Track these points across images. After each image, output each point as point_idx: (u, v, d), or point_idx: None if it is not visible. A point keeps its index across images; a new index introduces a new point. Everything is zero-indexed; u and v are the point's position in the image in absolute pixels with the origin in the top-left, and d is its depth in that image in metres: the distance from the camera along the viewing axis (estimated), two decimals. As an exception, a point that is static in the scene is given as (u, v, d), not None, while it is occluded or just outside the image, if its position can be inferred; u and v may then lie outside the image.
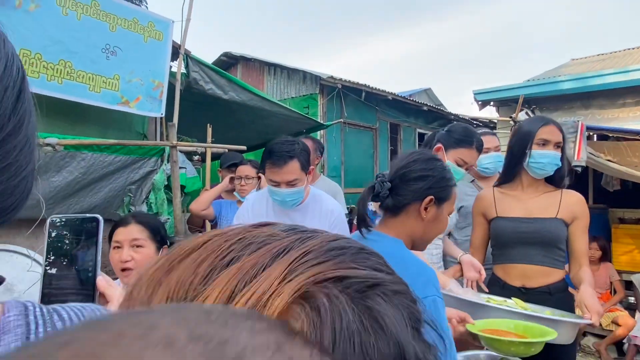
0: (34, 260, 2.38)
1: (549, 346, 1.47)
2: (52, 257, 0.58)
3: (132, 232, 1.51)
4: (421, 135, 8.92)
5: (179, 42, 3.46)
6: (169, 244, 1.65)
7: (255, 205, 1.85)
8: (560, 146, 1.79)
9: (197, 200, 2.61)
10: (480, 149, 1.84)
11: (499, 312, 1.48)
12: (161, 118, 3.30)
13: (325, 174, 6.65)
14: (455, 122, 2.00)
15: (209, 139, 3.08)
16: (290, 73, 7.20)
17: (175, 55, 3.57)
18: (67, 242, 0.59)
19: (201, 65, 3.64)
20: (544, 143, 1.78)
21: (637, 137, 4.14)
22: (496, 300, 1.64)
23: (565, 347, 1.71)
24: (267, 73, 7.54)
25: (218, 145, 3.03)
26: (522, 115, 4.62)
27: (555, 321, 1.49)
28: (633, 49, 8.35)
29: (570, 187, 2.31)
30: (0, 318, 0.34)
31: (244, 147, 3.13)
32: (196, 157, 3.49)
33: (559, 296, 1.76)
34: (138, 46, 3.22)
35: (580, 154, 3.40)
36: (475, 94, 5.97)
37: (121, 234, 1.53)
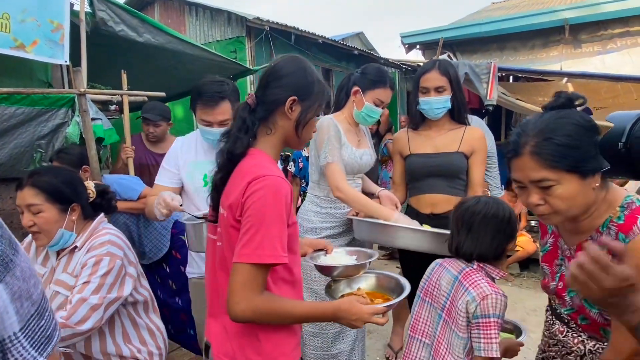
0: None
1: None
2: None
3: (26, 197, 1.43)
4: (353, 80, 8.97)
5: (78, -24, 3.07)
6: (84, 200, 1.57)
7: (184, 146, 1.91)
8: (443, 90, 1.94)
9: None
10: (393, 87, 1.96)
11: (417, 233, 1.75)
12: (68, 65, 2.98)
13: (258, 122, 6.55)
14: (368, 64, 2.08)
15: (125, 86, 2.87)
16: (214, 14, 6.75)
17: (76, -9, 3.17)
18: None
19: (109, 4, 3.28)
20: (425, 91, 1.96)
21: (541, 77, 4.52)
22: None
23: None
24: (188, 14, 7.00)
25: (134, 92, 2.84)
26: (443, 58, 4.80)
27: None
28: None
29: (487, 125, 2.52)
30: None
31: (162, 94, 2.97)
32: (113, 107, 3.25)
33: None
34: (28, -20, 2.81)
35: (492, 93, 3.66)
36: (402, 37, 6.06)
37: (18, 198, 1.45)
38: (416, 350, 1.47)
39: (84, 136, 2.55)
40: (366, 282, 1.46)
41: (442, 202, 2.01)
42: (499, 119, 5.89)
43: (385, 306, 1.19)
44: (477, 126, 2.35)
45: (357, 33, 15.70)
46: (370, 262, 1.46)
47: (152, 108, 3.09)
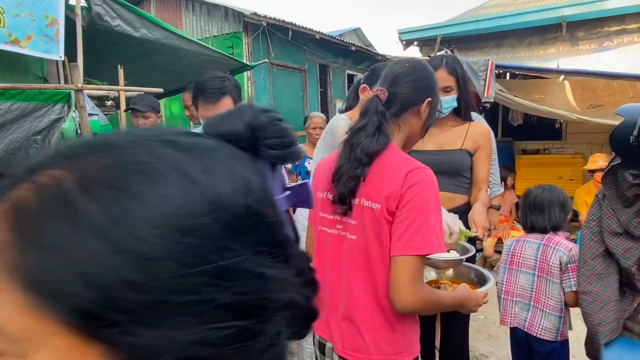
0: None
1: None
2: None
3: None
4: (350, 77, 8.94)
5: (74, -30, 3.04)
6: None
7: None
8: (450, 89, 1.91)
9: None
10: None
11: None
12: (63, 60, 2.96)
13: (255, 118, 6.52)
14: (377, 63, 2.06)
15: (121, 81, 2.85)
16: (210, 9, 6.70)
17: (71, -15, 3.14)
18: None
19: (104, -2, 3.26)
20: None
21: (538, 75, 4.53)
22: None
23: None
24: (185, 9, 6.95)
25: (131, 87, 2.83)
26: (448, 54, 4.79)
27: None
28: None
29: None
30: None
31: (160, 90, 2.95)
32: (109, 103, 3.23)
33: (462, 217, 2.00)
34: (23, -27, 2.78)
35: (489, 91, 3.66)
36: (399, 33, 6.03)
37: None
38: (510, 308, 1.93)
39: (79, 132, 2.54)
40: (447, 270, 1.57)
41: (443, 200, 1.98)
42: (496, 116, 5.90)
43: (487, 289, 1.35)
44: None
45: (354, 29, 15.67)
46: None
47: (141, 99, 3.06)
